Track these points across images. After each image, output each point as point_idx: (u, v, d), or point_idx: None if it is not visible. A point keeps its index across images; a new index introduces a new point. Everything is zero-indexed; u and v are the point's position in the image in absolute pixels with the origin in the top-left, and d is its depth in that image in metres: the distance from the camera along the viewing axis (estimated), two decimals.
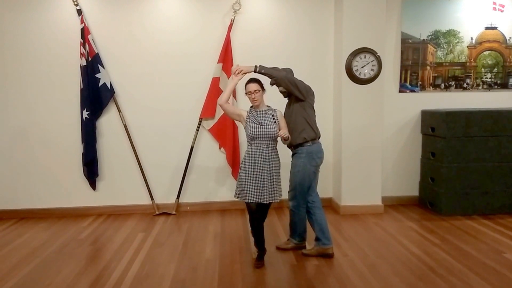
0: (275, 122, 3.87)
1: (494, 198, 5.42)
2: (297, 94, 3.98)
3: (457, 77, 5.88)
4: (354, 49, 5.37)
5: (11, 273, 3.93)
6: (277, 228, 4.99)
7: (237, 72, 3.93)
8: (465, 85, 5.90)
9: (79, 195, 5.71)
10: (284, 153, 4.33)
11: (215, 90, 5.50)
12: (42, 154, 5.61)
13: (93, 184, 5.67)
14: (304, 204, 4.18)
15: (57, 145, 5.61)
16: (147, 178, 5.72)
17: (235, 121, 5.58)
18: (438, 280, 3.62)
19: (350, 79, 5.42)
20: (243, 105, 5.50)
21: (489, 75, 5.89)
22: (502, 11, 5.77)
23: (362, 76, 5.42)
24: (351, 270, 3.87)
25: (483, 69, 5.88)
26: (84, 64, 5.33)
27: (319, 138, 4.16)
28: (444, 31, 5.77)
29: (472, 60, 5.85)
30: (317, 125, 4.17)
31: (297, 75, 4.22)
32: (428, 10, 5.71)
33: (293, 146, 4.12)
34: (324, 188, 5.89)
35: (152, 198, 5.73)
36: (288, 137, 3.79)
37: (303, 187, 4.11)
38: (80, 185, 5.68)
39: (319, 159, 4.13)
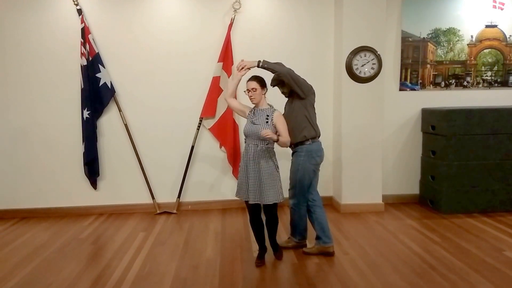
0: (267, 122, 3.78)
1: (494, 196, 5.42)
2: (298, 91, 3.97)
3: (457, 75, 5.88)
4: (354, 47, 5.37)
5: (13, 273, 3.94)
6: (278, 227, 4.98)
7: (240, 67, 3.91)
8: (465, 83, 5.90)
9: (80, 194, 5.72)
10: (284, 153, 4.33)
11: (215, 89, 5.51)
12: (43, 154, 5.62)
13: (94, 184, 5.68)
14: (304, 202, 4.19)
15: (58, 145, 5.62)
16: (148, 177, 5.73)
17: (236, 120, 5.62)
18: (439, 278, 3.63)
19: (350, 78, 5.42)
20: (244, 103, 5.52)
21: (489, 73, 5.89)
22: (502, 9, 5.77)
23: (362, 75, 5.42)
24: (351, 268, 3.88)
25: (483, 67, 5.88)
26: (84, 64, 5.34)
27: (319, 137, 4.17)
28: (444, 29, 5.77)
29: (472, 58, 5.85)
30: (317, 124, 4.16)
31: (298, 73, 4.23)
32: (428, 8, 5.71)
33: (293, 145, 4.12)
34: (324, 187, 5.89)
35: (153, 197, 5.74)
36: (273, 139, 3.70)
37: (302, 186, 4.12)
38: (81, 184, 5.69)
39: (319, 157, 4.13)
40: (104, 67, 5.43)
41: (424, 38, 5.76)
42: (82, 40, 5.33)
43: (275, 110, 3.87)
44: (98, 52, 5.41)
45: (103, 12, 5.46)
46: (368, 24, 5.35)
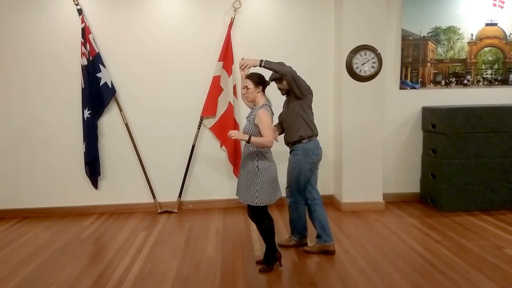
0: (249, 121, 3.72)
1: (495, 194, 5.42)
2: (296, 92, 3.98)
3: (457, 74, 5.88)
4: (355, 46, 5.37)
5: (14, 272, 3.95)
6: (279, 226, 5.00)
7: (243, 66, 3.87)
8: (465, 81, 5.90)
9: (81, 194, 5.73)
10: (279, 153, 4.34)
11: (216, 88, 5.52)
12: (44, 154, 5.63)
13: (95, 183, 5.69)
14: (302, 200, 4.21)
15: (59, 145, 5.63)
16: (149, 177, 5.73)
17: (236, 119, 5.62)
18: (439, 277, 3.64)
19: (351, 77, 5.43)
20: (243, 103, 5.52)
21: (489, 72, 5.89)
22: (502, 7, 5.77)
23: (362, 74, 5.42)
24: (352, 267, 3.89)
25: (483, 65, 5.88)
26: (85, 64, 5.34)
27: (316, 136, 4.18)
28: (445, 28, 5.77)
29: (472, 57, 5.85)
30: (315, 123, 4.17)
31: (298, 73, 4.23)
32: (428, 7, 5.71)
33: (290, 144, 4.16)
34: (325, 185, 5.91)
35: (154, 197, 5.75)
36: (242, 140, 3.61)
37: (299, 184, 4.14)
38: (82, 184, 5.70)
39: (315, 156, 4.14)
40: (104, 66, 5.44)
41: (424, 36, 5.76)
42: (83, 40, 5.34)
43: (260, 108, 3.65)
44: (98, 52, 5.42)
45: (104, 12, 5.47)
46: (368, 23, 5.35)
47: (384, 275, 3.70)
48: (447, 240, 4.48)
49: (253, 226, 4.36)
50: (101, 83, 5.44)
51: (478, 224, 4.95)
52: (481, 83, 5.92)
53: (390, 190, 5.93)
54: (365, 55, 5.39)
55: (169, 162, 5.77)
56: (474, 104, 5.68)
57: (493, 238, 4.50)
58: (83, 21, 5.33)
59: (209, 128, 5.66)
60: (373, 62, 5.41)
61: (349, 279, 3.64)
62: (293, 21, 5.66)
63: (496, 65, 5.89)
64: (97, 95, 5.46)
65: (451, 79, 5.88)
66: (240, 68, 3.90)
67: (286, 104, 4.19)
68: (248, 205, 3.74)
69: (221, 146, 5.73)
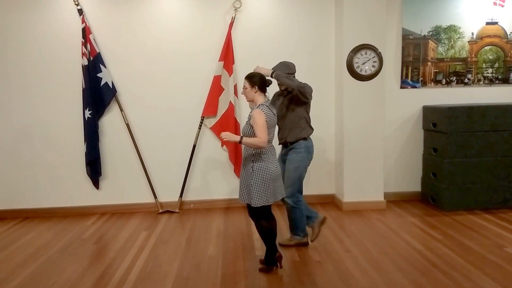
0: (246, 121, 3.73)
1: (496, 193, 5.42)
2: (302, 99, 4.08)
3: (458, 73, 5.88)
4: (355, 45, 5.37)
5: (16, 272, 3.96)
6: (280, 225, 4.99)
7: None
8: (466, 80, 5.89)
9: (82, 194, 5.74)
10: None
11: (216, 88, 5.53)
12: (45, 154, 5.64)
13: (96, 183, 5.70)
14: (301, 196, 4.29)
15: (60, 145, 5.64)
16: (150, 177, 5.74)
17: (237, 119, 5.63)
18: (441, 275, 3.64)
19: (351, 76, 5.43)
20: (244, 103, 5.53)
21: (490, 70, 5.88)
22: (502, 6, 5.76)
23: (363, 73, 5.42)
24: (353, 266, 3.89)
25: (484, 64, 5.88)
26: (85, 64, 5.35)
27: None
28: (445, 27, 5.77)
29: (473, 56, 5.85)
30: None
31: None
32: (429, 6, 5.71)
33: (289, 143, 4.20)
34: (326, 185, 5.92)
35: (155, 197, 5.76)
36: (234, 141, 3.60)
37: (301, 182, 4.23)
38: (83, 184, 5.71)
39: (313, 152, 4.31)
40: (105, 67, 5.44)
41: (424, 35, 5.76)
42: (83, 40, 5.34)
43: (256, 108, 3.63)
44: (99, 52, 5.43)
45: (104, 12, 5.47)
46: (369, 22, 5.35)
47: (385, 274, 3.70)
48: (448, 239, 4.48)
49: (254, 226, 4.36)
50: (102, 83, 5.45)
51: (479, 223, 4.95)
52: (481, 82, 5.92)
53: (391, 189, 5.93)
54: (366, 54, 5.39)
55: (170, 162, 5.77)
56: (475, 103, 5.68)
57: (494, 236, 4.50)
58: (83, 21, 5.34)
59: (210, 128, 5.66)
60: (374, 61, 5.41)
61: (350, 278, 3.65)
62: (294, 20, 5.66)
63: (496, 64, 5.88)
64: (98, 95, 5.46)
65: (451, 78, 5.88)
66: None
67: (286, 105, 4.19)
68: (248, 204, 3.74)
69: (222, 146, 5.74)
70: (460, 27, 5.77)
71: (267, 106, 3.65)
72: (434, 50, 5.81)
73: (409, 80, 5.84)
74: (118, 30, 5.52)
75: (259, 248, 4.32)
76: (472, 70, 5.87)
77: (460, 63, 5.86)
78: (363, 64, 5.40)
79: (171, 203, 5.79)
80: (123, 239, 4.75)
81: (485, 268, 3.75)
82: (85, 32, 5.34)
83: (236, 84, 5.59)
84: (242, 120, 5.61)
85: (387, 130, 5.84)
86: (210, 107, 5.56)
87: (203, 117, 5.63)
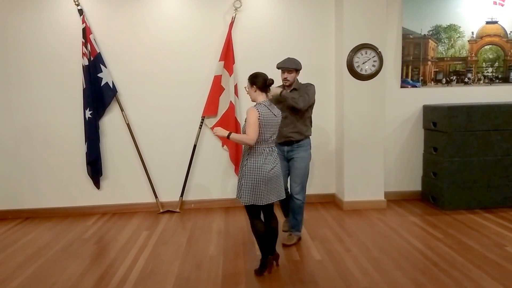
0: (245, 120, 3.71)
1: (496, 192, 5.42)
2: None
3: (458, 72, 5.88)
4: (355, 45, 5.38)
5: (17, 272, 3.97)
6: (280, 224, 5.00)
7: None
8: (466, 79, 5.90)
9: (83, 194, 5.75)
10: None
11: (217, 88, 5.53)
12: (46, 154, 5.65)
13: (97, 183, 5.70)
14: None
15: (61, 145, 5.64)
16: (151, 177, 5.74)
17: (238, 119, 5.63)
18: (441, 274, 3.64)
19: (352, 75, 5.43)
20: (244, 102, 5.54)
21: (490, 70, 5.89)
22: (502, 5, 5.76)
23: (363, 72, 5.43)
24: (354, 265, 3.89)
25: (484, 63, 5.88)
26: (86, 64, 5.36)
27: None
28: (445, 26, 5.77)
29: (473, 55, 5.85)
30: None
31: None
32: (429, 5, 5.71)
33: (296, 141, 4.27)
34: (327, 184, 5.93)
35: (156, 196, 5.76)
36: (222, 136, 3.66)
37: (308, 177, 4.37)
38: (84, 184, 5.71)
39: None
40: (105, 67, 5.45)
41: (425, 35, 5.77)
42: (84, 40, 5.35)
43: (253, 106, 3.62)
44: (99, 52, 5.43)
45: (104, 12, 5.47)
46: (369, 22, 5.35)
47: (385, 273, 3.70)
48: (448, 238, 4.48)
49: None
50: (102, 83, 5.45)
51: (479, 222, 4.95)
52: (481, 81, 5.92)
53: (391, 189, 5.94)
54: (366, 54, 5.39)
55: (171, 161, 5.78)
56: (475, 102, 5.68)
57: (494, 236, 4.50)
58: (84, 21, 5.35)
59: (211, 127, 5.66)
60: (374, 61, 5.41)
61: (350, 278, 3.65)
62: (294, 20, 5.66)
63: (496, 63, 5.89)
64: (98, 95, 5.47)
65: (452, 77, 5.88)
66: None
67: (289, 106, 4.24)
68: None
69: (222, 146, 5.74)
70: (460, 27, 5.78)
71: (266, 106, 3.61)
72: (434, 50, 5.81)
73: (409, 79, 5.84)
74: (118, 30, 5.52)
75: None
76: (472, 70, 5.88)
77: (460, 62, 5.86)
78: (363, 63, 5.41)
79: (171, 203, 5.80)
80: (123, 239, 4.76)
81: (485, 267, 3.75)
82: (86, 32, 5.34)
83: (236, 84, 5.59)
84: (243, 120, 5.61)
85: (388, 130, 5.84)
86: (211, 107, 5.57)
87: (204, 117, 5.64)
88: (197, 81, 5.64)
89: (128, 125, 5.61)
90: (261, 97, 3.69)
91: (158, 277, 3.77)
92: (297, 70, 4.19)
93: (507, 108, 5.34)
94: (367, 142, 5.53)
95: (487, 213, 5.26)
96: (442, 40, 5.79)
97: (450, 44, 5.81)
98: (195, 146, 5.68)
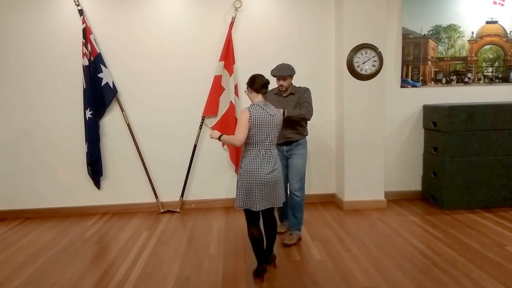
0: None
1: (496, 192, 5.43)
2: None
3: (458, 72, 5.88)
4: (355, 45, 5.38)
5: (17, 272, 3.98)
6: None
7: None
8: (466, 79, 5.90)
9: (83, 194, 5.75)
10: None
11: (217, 88, 5.54)
12: (46, 154, 5.65)
13: (97, 183, 5.71)
14: None
15: (61, 145, 5.65)
16: (151, 177, 5.75)
17: (238, 119, 5.63)
18: (441, 274, 3.65)
19: (352, 75, 5.43)
20: (244, 102, 5.54)
21: (490, 69, 5.89)
22: (502, 5, 5.77)
23: (363, 72, 5.43)
24: (354, 265, 3.90)
25: (484, 63, 5.88)
26: (86, 64, 5.36)
27: None
28: (445, 26, 5.77)
29: (473, 55, 5.85)
30: None
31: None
32: (429, 5, 5.71)
33: (295, 141, 4.34)
34: (327, 184, 5.93)
35: (156, 196, 5.76)
36: (215, 137, 3.73)
37: (305, 176, 4.45)
38: (84, 184, 5.72)
39: None
40: (106, 67, 5.45)
41: (425, 35, 5.77)
42: (84, 41, 5.35)
43: (246, 107, 3.64)
44: (99, 52, 5.44)
45: (104, 12, 5.48)
46: (369, 22, 5.35)
47: (385, 273, 3.71)
48: (448, 237, 4.48)
49: None
50: (103, 83, 5.46)
51: (480, 222, 4.95)
52: (481, 81, 5.92)
53: (391, 188, 5.94)
54: (366, 53, 5.39)
55: (171, 161, 5.78)
56: (475, 102, 5.68)
57: (494, 235, 4.50)
58: (84, 21, 5.35)
59: (211, 127, 5.67)
60: (374, 61, 5.41)
61: (351, 277, 3.65)
62: (294, 20, 5.66)
63: (496, 63, 5.89)
64: (98, 96, 5.48)
65: (452, 77, 5.89)
66: None
67: (287, 103, 4.28)
68: None
69: (223, 146, 5.74)
70: (460, 26, 5.78)
71: (260, 106, 3.60)
72: (434, 49, 5.82)
73: (409, 79, 5.85)
74: (118, 31, 5.52)
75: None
76: (472, 69, 5.88)
77: (460, 62, 5.87)
78: (363, 63, 5.41)
79: (172, 203, 5.80)
80: (124, 239, 4.76)
81: (485, 267, 3.76)
82: (86, 33, 5.35)
83: (236, 84, 5.60)
84: None
85: (388, 130, 5.85)
86: (211, 107, 5.58)
87: (204, 117, 5.64)
88: (197, 81, 5.65)
89: (128, 125, 5.62)
90: (256, 98, 3.70)
91: (158, 277, 3.77)
92: (291, 75, 4.24)
93: (507, 108, 5.34)
94: (367, 142, 5.53)
95: (487, 213, 5.26)
96: (442, 40, 5.80)
97: (450, 44, 5.81)
98: (195, 146, 5.69)
